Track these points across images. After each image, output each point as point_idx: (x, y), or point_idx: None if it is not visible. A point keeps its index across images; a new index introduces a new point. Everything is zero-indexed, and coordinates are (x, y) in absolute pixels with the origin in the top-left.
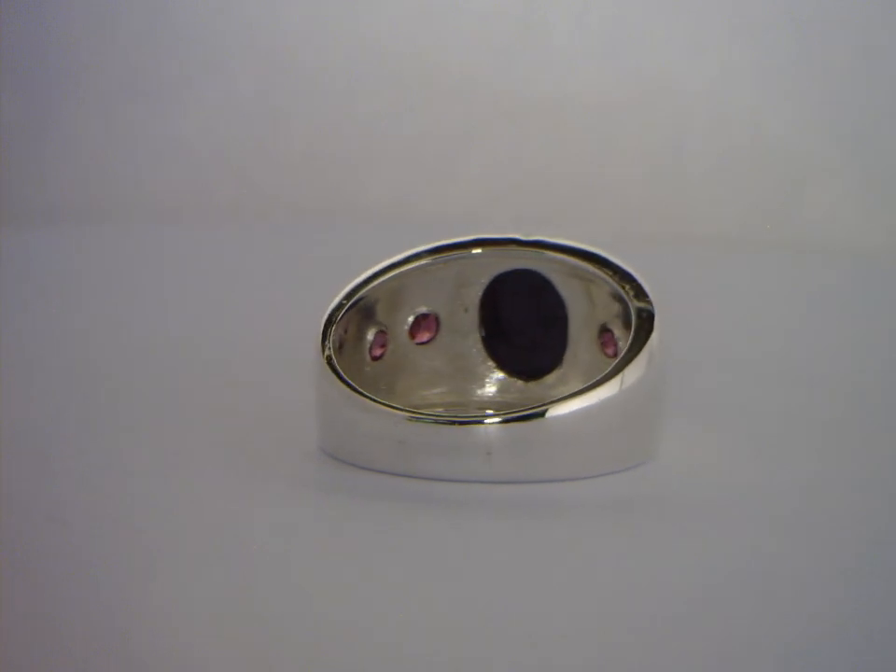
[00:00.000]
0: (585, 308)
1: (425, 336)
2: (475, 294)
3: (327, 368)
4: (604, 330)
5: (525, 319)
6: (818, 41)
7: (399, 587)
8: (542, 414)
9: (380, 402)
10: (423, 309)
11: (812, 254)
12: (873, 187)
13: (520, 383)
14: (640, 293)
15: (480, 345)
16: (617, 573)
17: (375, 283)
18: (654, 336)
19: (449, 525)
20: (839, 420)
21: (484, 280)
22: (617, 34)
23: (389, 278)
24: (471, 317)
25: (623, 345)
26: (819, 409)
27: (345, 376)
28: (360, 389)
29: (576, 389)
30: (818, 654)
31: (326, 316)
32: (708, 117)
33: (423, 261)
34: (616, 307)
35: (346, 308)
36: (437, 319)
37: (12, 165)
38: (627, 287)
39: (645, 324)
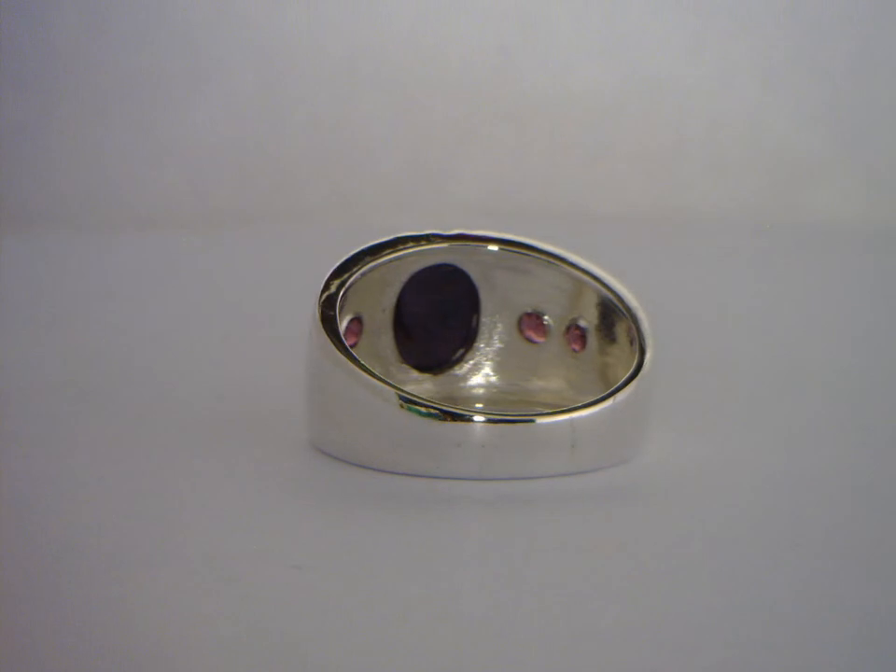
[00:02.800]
0: (506, 296)
1: (351, 340)
2: (394, 293)
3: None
4: (527, 315)
5: (426, 313)
6: (818, 40)
7: (394, 586)
8: (532, 420)
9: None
10: (351, 314)
11: (809, 253)
12: (873, 185)
13: (429, 376)
14: (584, 272)
15: (393, 344)
16: (612, 567)
17: (345, 286)
18: (648, 360)
19: (441, 522)
20: (831, 415)
21: (404, 278)
22: (617, 33)
23: (349, 284)
24: (387, 317)
25: (555, 327)
26: (808, 402)
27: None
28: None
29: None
30: (806, 646)
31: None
32: (708, 116)
33: (368, 265)
34: (548, 292)
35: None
36: (361, 322)
37: (11, 166)
38: (576, 271)
39: (638, 344)
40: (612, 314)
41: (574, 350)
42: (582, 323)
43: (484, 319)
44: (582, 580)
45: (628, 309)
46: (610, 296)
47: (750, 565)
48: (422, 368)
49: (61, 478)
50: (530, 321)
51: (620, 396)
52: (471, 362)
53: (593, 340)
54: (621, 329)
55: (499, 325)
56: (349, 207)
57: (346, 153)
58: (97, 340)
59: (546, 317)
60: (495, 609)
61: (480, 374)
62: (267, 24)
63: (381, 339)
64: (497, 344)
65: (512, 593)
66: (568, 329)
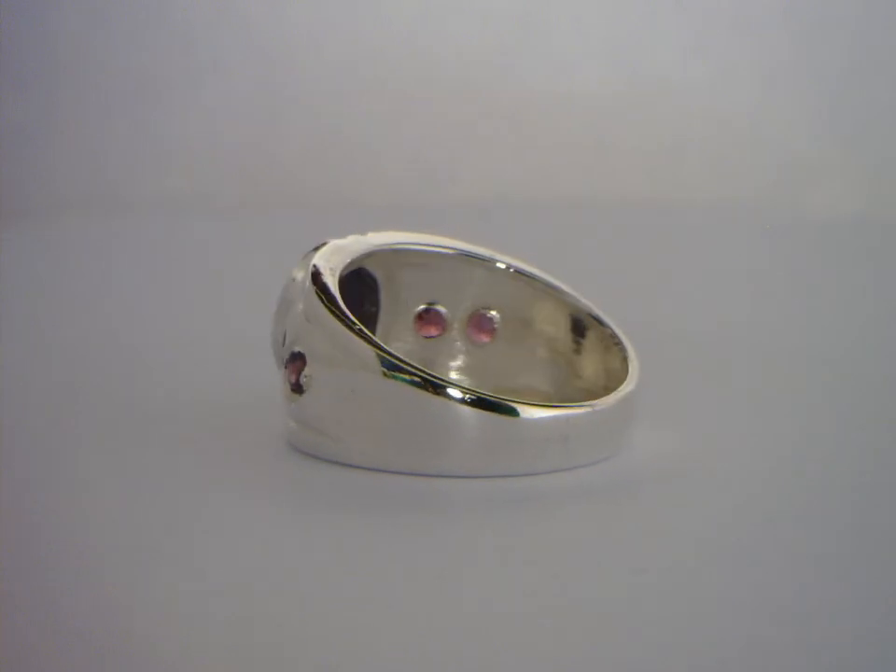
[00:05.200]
0: (406, 294)
1: None
2: None
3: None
4: (426, 311)
5: None
6: (817, 40)
7: (388, 586)
8: (516, 412)
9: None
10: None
11: (807, 251)
12: (872, 183)
13: None
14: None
15: None
16: (600, 564)
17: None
18: (633, 372)
19: (434, 520)
20: (826, 410)
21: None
22: (617, 33)
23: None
24: None
25: (452, 318)
26: (791, 395)
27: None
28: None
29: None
30: (799, 640)
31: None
32: (709, 115)
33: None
34: (448, 286)
35: None
36: None
37: (13, 163)
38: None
39: (623, 357)
40: (580, 319)
41: (480, 341)
42: (491, 314)
43: (384, 319)
44: (575, 577)
45: (595, 315)
46: (568, 298)
47: (743, 562)
48: None
49: (28, 475)
50: (428, 316)
51: (627, 387)
52: None
53: (515, 331)
54: (591, 330)
55: (395, 322)
56: (347, 207)
57: (346, 153)
58: (83, 339)
59: (443, 310)
60: (489, 608)
61: None
62: (267, 24)
63: None
64: (392, 342)
65: (505, 591)
66: (470, 320)
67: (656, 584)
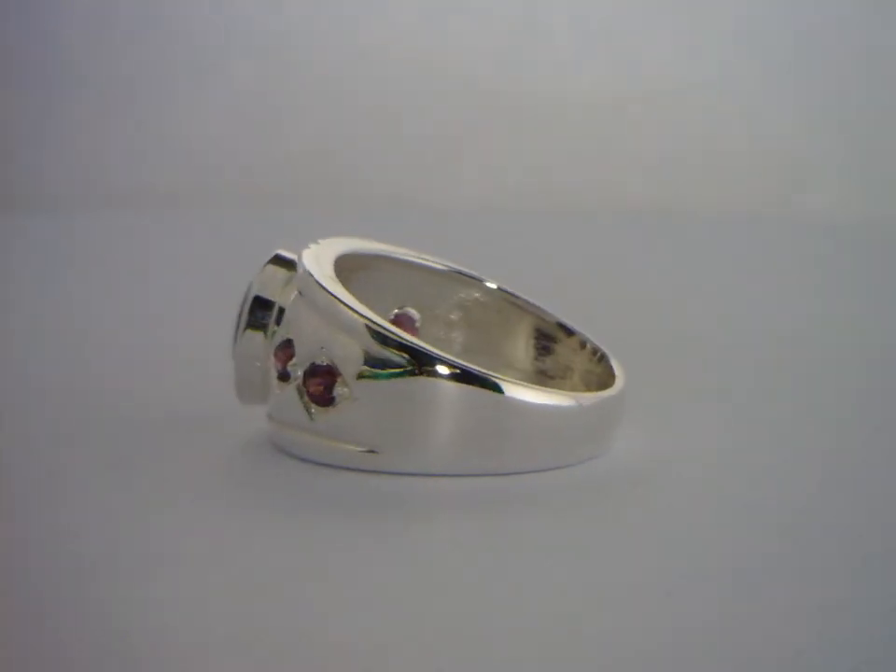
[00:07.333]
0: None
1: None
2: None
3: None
4: None
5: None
6: (817, 39)
7: (375, 586)
8: (501, 390)
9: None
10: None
11: (806, 252)
12: (871, 184)
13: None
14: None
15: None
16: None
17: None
18: (618, 379)
19: (420, 521)
20: (804, 405)
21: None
22: (617, 34)
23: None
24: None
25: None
26: (776, 392)
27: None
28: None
29: None
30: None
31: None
32: (708, 116)
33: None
34: (381, 288)
35: None
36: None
37: (14, 161)
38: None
39: (606, 368)
40: (537, 326)
41: None
42: (411, 313)
43: None
44: (559, 576)
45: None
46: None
47: (725, 564)
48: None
49: (38, 475)
50: None
51: (614, 389)
52: None
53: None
54: (555, 340)
55: None
56: (347, 206)
57: (346, 153)
58: (81, 338)
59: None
60: (478, 607)
61: None
62: (267, 24)
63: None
64: None
65: (491, 591)
66: (393, 321)
67: (642, 585)
